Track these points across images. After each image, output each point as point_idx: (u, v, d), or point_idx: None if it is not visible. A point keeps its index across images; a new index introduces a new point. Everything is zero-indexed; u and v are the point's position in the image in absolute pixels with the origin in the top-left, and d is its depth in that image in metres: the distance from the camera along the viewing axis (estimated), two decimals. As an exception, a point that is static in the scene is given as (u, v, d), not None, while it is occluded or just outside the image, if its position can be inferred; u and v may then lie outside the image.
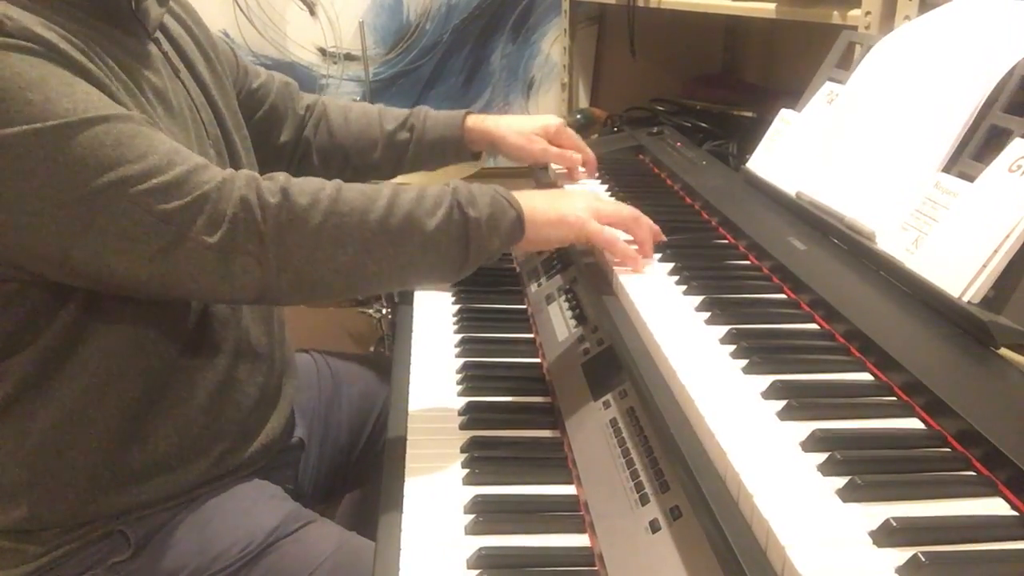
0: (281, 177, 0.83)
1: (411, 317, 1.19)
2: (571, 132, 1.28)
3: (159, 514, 0.93)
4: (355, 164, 1.26)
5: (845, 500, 0.57)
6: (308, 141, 1.25)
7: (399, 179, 1.30)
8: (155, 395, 0.91)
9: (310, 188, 0.82)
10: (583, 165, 1.27)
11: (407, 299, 1.24)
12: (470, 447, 0.90)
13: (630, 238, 0.95)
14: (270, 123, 1.21)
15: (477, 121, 1.26)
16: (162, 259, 0.78)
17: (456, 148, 1.26)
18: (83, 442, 0.87)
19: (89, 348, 0.86)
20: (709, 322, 0.81)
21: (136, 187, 0.76)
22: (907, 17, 1.04)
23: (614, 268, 0.93)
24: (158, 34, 0.97)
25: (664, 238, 0.97)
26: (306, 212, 0.80)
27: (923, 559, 0.50)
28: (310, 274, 0.81)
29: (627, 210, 0.95)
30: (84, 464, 0.88)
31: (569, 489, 0.85)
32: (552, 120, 1.27)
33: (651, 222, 0.96)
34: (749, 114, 1.57)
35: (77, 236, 0.76)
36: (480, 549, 0.75)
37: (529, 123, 1.26)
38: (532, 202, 0.90)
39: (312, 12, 1.98)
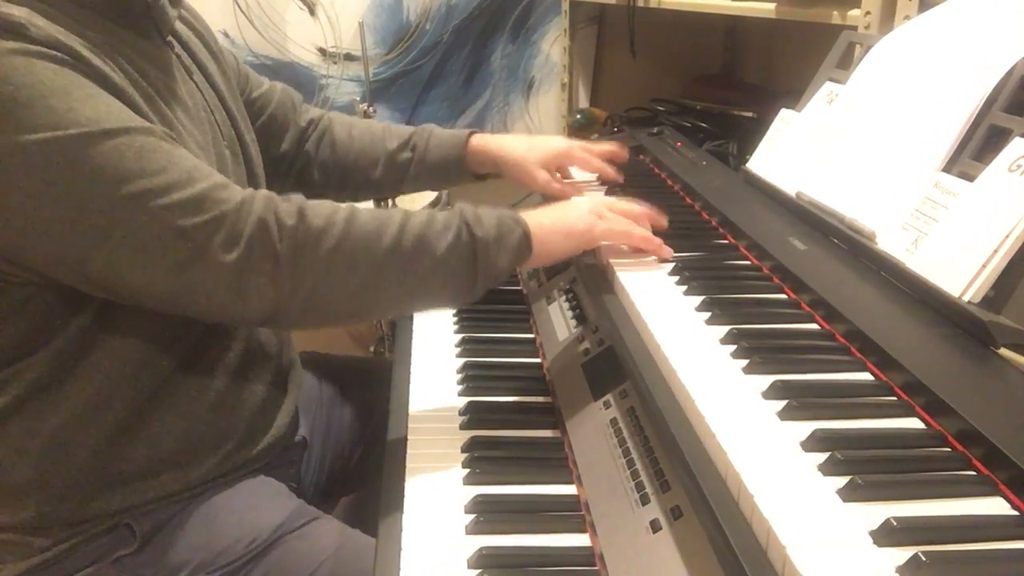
0: (298, 199, 0.84)
1: (411, 317, 1.19)
2: (581, 151, 1.23)
3: (165, 508, 0.93)
4: (356, 181, 1.25)
5: (845, 500, 0.57)
6: (309, 155, 1.24)
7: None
8: (165, 395, 0.91)
9: (324, 211, 0.83)
10: (607, 176, 1.24)
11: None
12: (470, 447, 0.90)
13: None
14: (269, 132, 1.21)
15: (481, 143, 1.22)
16: (178, 274, 0.78)
17: (458, 170, 1.23)
18: (92, 441, 0.88)
19: (102, 351, 0.86)
20: (709, 322, 0.81)
21: (157, 201, 0.76)
22: (907, 17, 1.05)
23: (614, 268, 0.93)
24: (170, 37, 0.97)
25: (662, 254, 0.98)
26: (321, 234, 0.81)
27: (923, 559, 0.50)
28: (322, 296, 0.82)
29: (623, 225, 0.95)
30: (92, 463, 0.88)
31: (569, 489, 0.85)
32: (559, 145, 1.22)
33: (645, 232, 0.97)
34: (749, 114, 1.57)
35: (95, 246, 0.76)
36: (480, 549, 0.75)
37: (535, 149, 1.20)
38: (538, 218, 0.92)
39: (312, 12, 1.98)
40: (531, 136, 1.23)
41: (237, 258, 0.78)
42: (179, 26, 1.02)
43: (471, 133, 1.23)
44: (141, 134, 0.78)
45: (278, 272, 0.80)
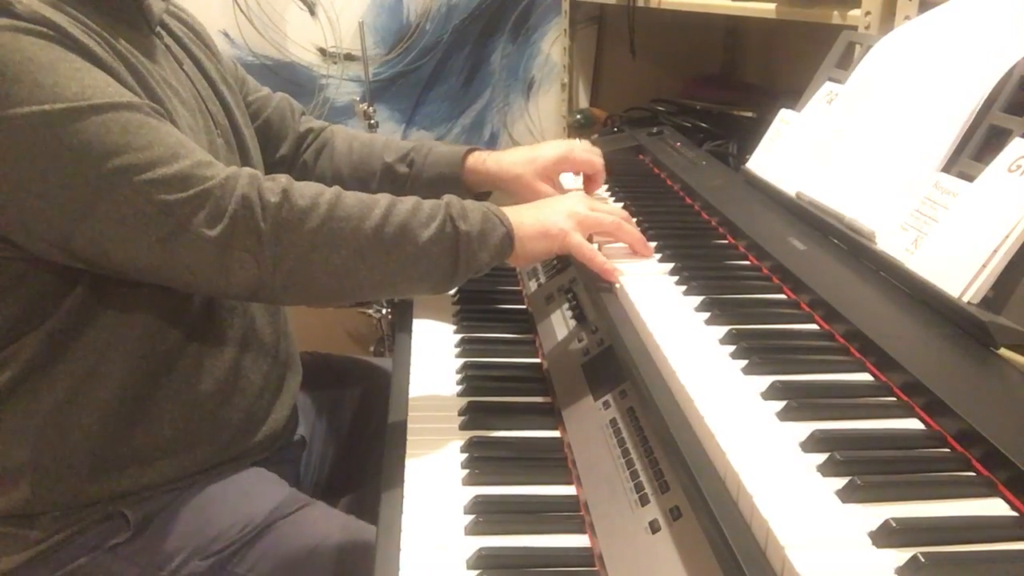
0: (283, 178, 0.84)
1: (411, 317, 1.19)
2: (582, 151, 1.18)
3: (159, 496, 0.93)
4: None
5: (845, 500, 0.56)
6: (306, 164, 1.23)
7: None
8: (161, 378, 0.92)
9: (310, 192, 0.84)
10: (594, 183, 1.20)
11: (407, 299, 1.24)
12: (470, 447, 0.90)
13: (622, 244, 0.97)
14: (266, 136, 1.20)
15: (478, 162, 1.18)
16: (160, 248, 0.79)
17: (455, 187, 1.18)
18: (87, 423, 0.88)
19: (96, 330, 0.87)
20: (709, 322, 0.81)
21: (140, 176, 0.77)
22: (907, 17, 1.04)
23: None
24: (159, 29, 0.98)
25: (649, 253, 0.97)
26: (305, 214, 0.82)
27: (923, 559, 0.50)
28: (303, 274, 0.83)
29: (609, 219, 0.96)
30: (87, 445, 0.89)
31: (569, 489, 0.85)
32: (558, 149, 1.17)
33: (634, 228, 0.97)
34: (749, 114, 1.57)
35: (79, 220, 0.77)
36: (480, 549, 0.75)
37: (533, 161, 1.16)
38: (520, 217, 0.92)
39: (312, 12, 1.98)
40: (528, 148, 1.19)
41: (220, 234, 0.79)
42: (169, 19, 1.03)
43: (469, 151, 1.19)
44: (127, 109, 0.79)
45: (260, 249, 0.81)
